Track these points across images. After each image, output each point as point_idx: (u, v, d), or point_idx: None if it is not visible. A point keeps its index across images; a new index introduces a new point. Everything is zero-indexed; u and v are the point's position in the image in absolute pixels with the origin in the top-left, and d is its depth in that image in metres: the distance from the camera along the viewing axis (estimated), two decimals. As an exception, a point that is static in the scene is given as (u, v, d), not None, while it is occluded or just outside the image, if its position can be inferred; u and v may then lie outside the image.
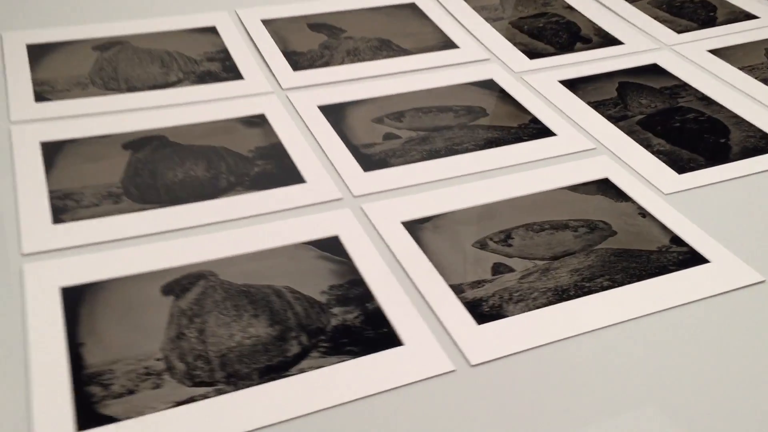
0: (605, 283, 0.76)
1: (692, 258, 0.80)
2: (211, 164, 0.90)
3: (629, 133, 1.00)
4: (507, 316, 0.72)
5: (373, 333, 0.70)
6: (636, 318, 0.73)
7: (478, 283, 0.76)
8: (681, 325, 0.73)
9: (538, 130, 1.00)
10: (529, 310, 0.73)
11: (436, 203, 0.86)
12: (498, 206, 0.86)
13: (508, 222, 0.84)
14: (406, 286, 0.75)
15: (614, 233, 0.83)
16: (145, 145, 0.93)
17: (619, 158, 0.95)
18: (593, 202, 0.88)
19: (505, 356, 0.68)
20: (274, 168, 0.90)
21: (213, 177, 0.88)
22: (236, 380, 0.65)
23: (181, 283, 0.74)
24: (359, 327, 0.71)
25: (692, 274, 0.78)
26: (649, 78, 1.13)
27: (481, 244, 0.81)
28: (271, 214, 0.83)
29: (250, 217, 0.83)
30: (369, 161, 0.92)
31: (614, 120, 1.03)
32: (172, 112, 0.99)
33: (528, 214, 0.85)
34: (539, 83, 1.10)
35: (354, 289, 0.74)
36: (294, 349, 0.68)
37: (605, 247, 0.81)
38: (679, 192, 0.90)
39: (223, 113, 0.99)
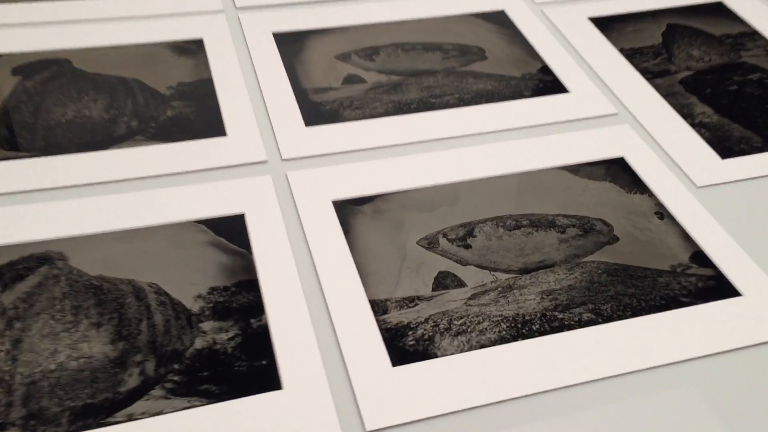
0: (586, 316, 0.55)
1: (717, 286, 0.58)
2: (114, 102, 0.71)
3: (667, 95, 0.77)
4: (436, 356, 0.52)
5: (246, 365, 0.51)
6: (618, 376, 0.52)
7: (410, 301, 0.56)
8: (684, 391, 0.52)
9: (547, 84, 0.77)
10: (470, 349, 0.53)
11: (385, 177, 0.65)
12: (467, 187, 0.65)
13: (475, 212, 0.63)
14: (313, 299, 0.55)
15: (615, 239, 0.62)
16: (41, 71, 0.74)
17: (646, 130, 0.72)
18: (597, 191, 0.66)
19: (416, 421, 0.49)
20: (193, 112, 0.71)
21: (111, 120, 0.69)
22: (36, 425, 0.47)
23: (15, 268, 0.56)
24: (230, 355, 0.52)
25: (713, 312, 0.56)
26: (708, 21, 0.88)
27: (430, 242, 0.60)
28: (168, 177, 0.64)
29: (139, 179, 0.64)
30: (316, 112, 0.72)
31: (650, 76, 0.79)
32: (87, 28, 0.79)
33: (504, 203, 0.64)
34: (563, 19, 0.86)
35: (241, 296, 0.55)
36: (131, 381, 0.50)
37: (598, 260, 0.60)
38: (717, 185, 0.67)
39: (152, 35, 0.80)
